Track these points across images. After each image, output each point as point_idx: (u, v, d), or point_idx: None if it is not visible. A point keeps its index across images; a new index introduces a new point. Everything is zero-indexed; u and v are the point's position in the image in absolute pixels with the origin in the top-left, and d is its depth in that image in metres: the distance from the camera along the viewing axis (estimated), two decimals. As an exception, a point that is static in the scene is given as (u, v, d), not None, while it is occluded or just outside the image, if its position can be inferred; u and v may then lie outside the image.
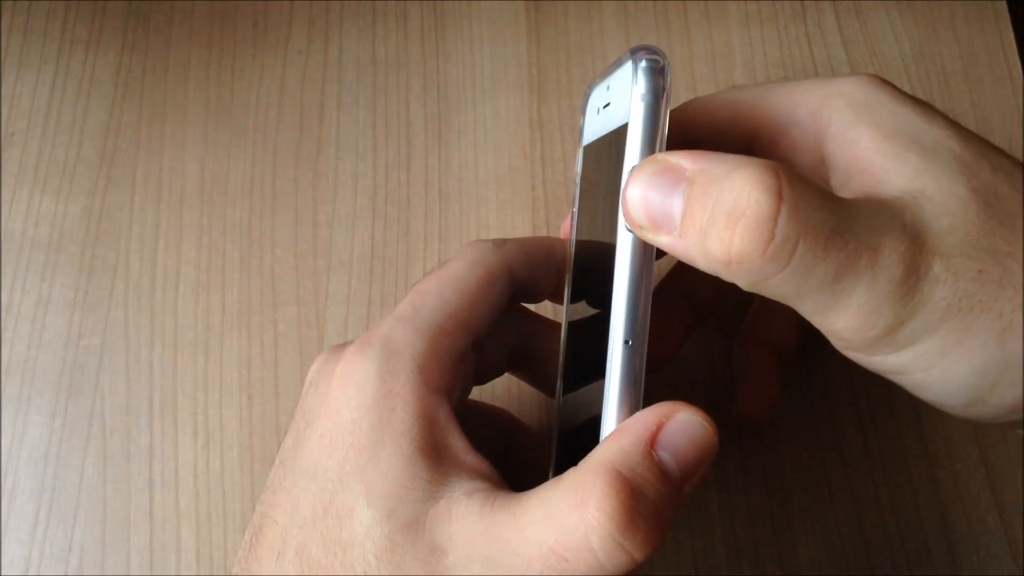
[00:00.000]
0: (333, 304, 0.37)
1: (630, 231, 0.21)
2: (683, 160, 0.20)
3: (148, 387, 0.36)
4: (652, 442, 0.20)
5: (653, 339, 0.22)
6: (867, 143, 0.22)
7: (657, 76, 0.21)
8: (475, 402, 0.30)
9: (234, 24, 0.43)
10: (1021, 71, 0.38)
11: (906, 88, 0.37)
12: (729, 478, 0.33)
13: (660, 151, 0.21)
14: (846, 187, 0.23)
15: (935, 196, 0.20)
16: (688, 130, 0.26)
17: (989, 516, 0.31)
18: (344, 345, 0.24)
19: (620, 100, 0.22)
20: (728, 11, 0.40)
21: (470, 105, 0.40)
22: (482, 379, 0.27)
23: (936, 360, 0.20)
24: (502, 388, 0.34)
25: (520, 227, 0.38)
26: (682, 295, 0.31)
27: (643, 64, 0.21)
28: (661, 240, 0.20)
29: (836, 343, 0.21)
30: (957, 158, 0.21)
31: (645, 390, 0.22)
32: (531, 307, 0.29)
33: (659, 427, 0.21)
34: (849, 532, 0.32)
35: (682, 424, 0.21)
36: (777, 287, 0.19)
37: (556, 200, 0.38)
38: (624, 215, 0.21)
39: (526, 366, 0.28)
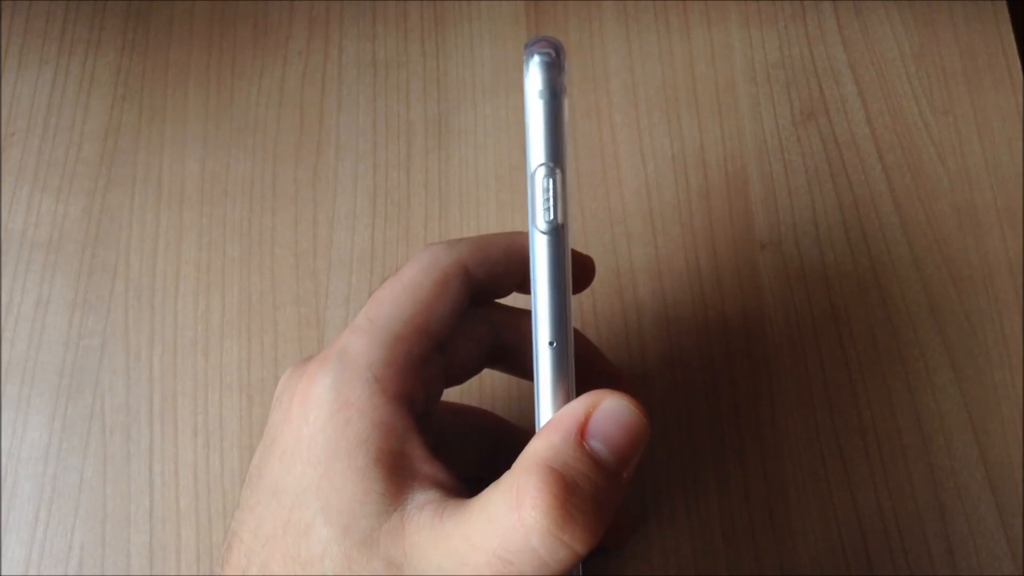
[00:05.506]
0: (333, 304, 0.37)
1: (544, 233, 0.21)
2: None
3: (148, 387, 0.36)
4: (582, 433, 0.20)
5: None
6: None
7: (549, 71, 0.21)
8: (458, 405, 0.29)
9: (234, 24, 0.43)
10: (1021, 71, 0.38)
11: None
12: (729, 479, 0.33)
13: (564, 151, 0.21)
14: None
15: None
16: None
17: (989, 516, 0.31)
18: (309, 359, 0.24)
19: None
20: (728, 11, 0.40)
21: (470, 105, 0.40)
22: (459, 379, 0.27)
23: None
24: (488, 384, 0.34)
25: (520, 227, 0.37)
26: None
27: (535, 59, 0.21)
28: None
29: None
30: None
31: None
32: (503, 301, 0.28)
33: (587, 417, 0.21)
34: (849, 532, 0.32)
35: (610, 411, 0.21)
36: None
37: (556, 200, 0.38)
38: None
39: (506, 359, 0.28)
